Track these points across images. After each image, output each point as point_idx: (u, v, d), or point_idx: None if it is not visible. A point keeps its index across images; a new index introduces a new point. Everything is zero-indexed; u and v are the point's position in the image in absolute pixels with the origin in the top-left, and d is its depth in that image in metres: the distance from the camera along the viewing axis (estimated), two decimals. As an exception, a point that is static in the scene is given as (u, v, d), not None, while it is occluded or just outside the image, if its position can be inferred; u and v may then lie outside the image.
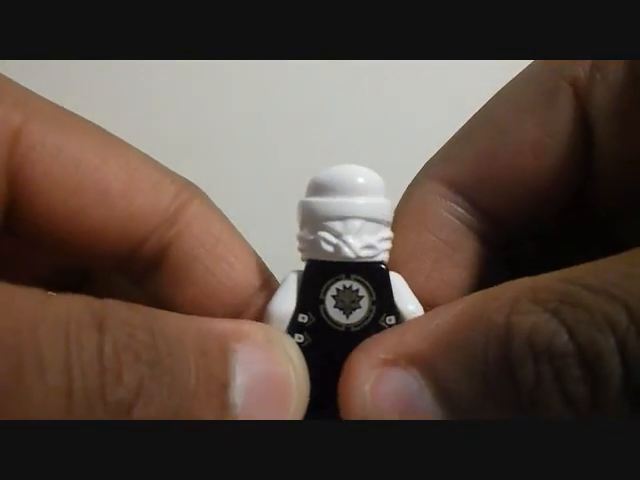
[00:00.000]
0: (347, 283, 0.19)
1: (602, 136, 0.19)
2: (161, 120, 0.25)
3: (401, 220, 0.21)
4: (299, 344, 0.19)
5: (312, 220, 0.19)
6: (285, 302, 0.19)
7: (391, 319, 0.19)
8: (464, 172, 0.21)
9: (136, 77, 0.23)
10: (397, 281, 0.20)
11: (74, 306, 0.14)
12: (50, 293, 0.15)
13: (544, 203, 0.21)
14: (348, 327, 0.19)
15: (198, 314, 0.20)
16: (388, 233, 0.20)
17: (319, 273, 0.19)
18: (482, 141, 0.20)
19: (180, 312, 0.20)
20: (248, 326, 0.17)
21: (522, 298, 0.16)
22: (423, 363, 0.16)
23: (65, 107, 0.21)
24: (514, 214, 0.21)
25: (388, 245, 0.20)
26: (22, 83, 0.21)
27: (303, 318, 0.19)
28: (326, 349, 0.19)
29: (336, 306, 0.19)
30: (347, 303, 0.19)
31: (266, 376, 0.17)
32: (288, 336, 0.19)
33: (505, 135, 0.20)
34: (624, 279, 0.15)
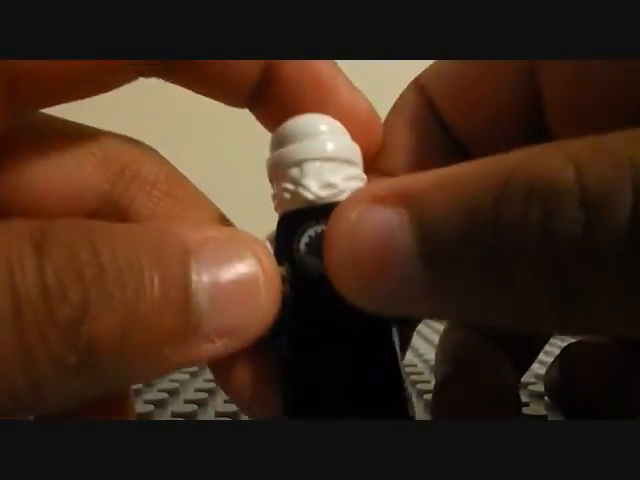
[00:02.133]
0: (318, 228, 0.19)
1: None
2: (161, 120, 0.25)
3: (390, 115, 0.23)
4: None
5: (274, 175, 0.19)
6: None
7: None
8: (432, 74, 0.23)
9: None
10: None
11: (13, 233, 0.15)
12: None
13: (493, 114, 0.22)
14: (323, 274, 0.18)
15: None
16: (355, 171, 0.19)
17: (289, 225, 0.19)
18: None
19: None
20: (210, 230, 0.17)
21: (545, 148, 0.14)
22: (411, 199, 0.15)
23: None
24: (466, 121, 0.22)
25: (356, 184, 0.19)
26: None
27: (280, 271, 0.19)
28: (305, 298, 0.19)
29: (310, 252, 0.19)
30: (321, 248, 0.18)
31: (231, 275, 0.16)
32: (253, 235, 0.18)
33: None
34: None
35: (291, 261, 0.19)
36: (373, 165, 0.22)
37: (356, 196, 0.16)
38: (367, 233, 0.15)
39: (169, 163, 0.23)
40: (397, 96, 0.24)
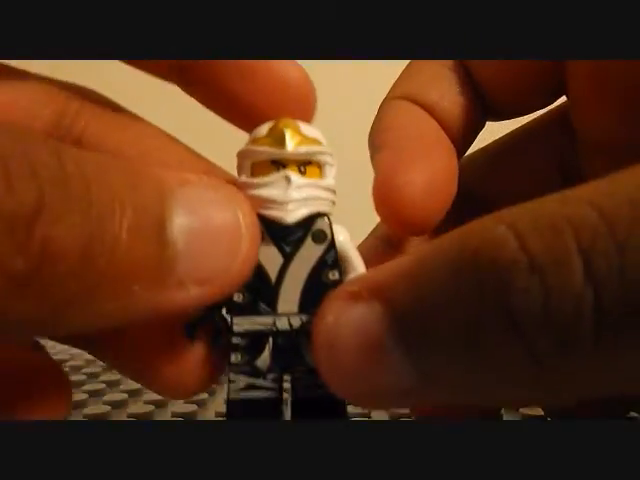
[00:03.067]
0: None
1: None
2: (159, 121, 0.25)
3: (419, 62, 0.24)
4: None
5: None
6: None
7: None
8: None
9: (139, 78, 0.23)
10: None
11: None
12: None
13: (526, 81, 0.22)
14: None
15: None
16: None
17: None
18: None
19: None
20: (191, 174, 0.16)
21: (486, 220, 0.14)
22: (383, 293, 0.15)
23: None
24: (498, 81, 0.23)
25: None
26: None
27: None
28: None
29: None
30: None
31: (211, 218, 0.16)
32: (236, 189, 0.18)
33: None
34: (600, 184, 0.13)
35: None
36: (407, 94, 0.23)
37: (333, 295, 0.16)
38: (346, 332, 0.15)
39: (110, 99, 0.22)
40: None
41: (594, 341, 0.12)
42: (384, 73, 0.25)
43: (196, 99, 0.21)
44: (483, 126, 0.25)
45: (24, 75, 0.21)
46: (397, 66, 0.24)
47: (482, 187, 0.25)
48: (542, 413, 0.28)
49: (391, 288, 0.15)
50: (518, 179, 0.24)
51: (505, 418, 0.27)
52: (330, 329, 0.16)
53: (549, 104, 0.24)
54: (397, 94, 0.23)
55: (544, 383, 0.13)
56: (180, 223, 0.15)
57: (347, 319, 0.15)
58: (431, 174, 0.21)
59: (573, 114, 0.22)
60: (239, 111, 0.20)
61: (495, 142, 0.26)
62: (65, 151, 0.14)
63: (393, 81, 0.24)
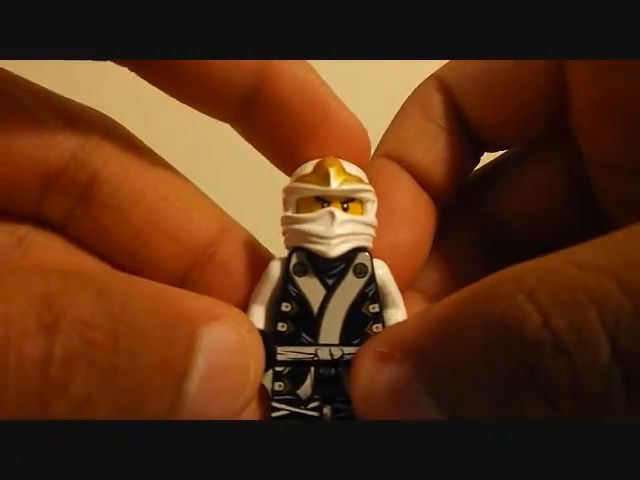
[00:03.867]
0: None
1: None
2: (160, 121, 0.25)
3: (407, 109, 0.24)
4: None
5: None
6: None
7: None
8: (458, 73, 0.24)
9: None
10: None
11: (18, 303, 0.13)
12: None
13: (522, 115, 0.23)
14: None
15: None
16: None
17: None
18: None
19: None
20: (219, 309, 0.17)
21: (505, 280, 0.14)
22: (411, 355, 0.16)
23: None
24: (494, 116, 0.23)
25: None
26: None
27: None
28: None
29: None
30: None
31: (226, 364, 0.17)
32: (254, 325, 0.19)
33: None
34: (617, 249, 0.13)
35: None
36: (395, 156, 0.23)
37: (362, 357, 0.18)
38: (380, 391, 0.17)
39: (133, 135, 0.22)
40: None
41: (626, 405, 0.13)
42: (384, 74, 0.25)
43: (251, 144, 0.22)
44: (478, 162, 0.25)
45: (45, 97, 0.21)
46: (398, 65, 0.24)
47: (489, 201, 0.25)
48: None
49: (419, 349, 0.16)
50: (526, 193, 0.25)
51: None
52: (366, 390, 0.17)
53: (547, 133, 0.24)
54: (382, 152, 0.24)
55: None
56: (199, 371, 0.16)
57: (380, 380, 0.17)
58: (393, 246, 0.22)
59: (576, 136, 0.22)
60: (293, 159, 0.21)
61: (500, 156, 0.26)
62: (121, 311, 0.14)
63: (394, 81, 0.24)
